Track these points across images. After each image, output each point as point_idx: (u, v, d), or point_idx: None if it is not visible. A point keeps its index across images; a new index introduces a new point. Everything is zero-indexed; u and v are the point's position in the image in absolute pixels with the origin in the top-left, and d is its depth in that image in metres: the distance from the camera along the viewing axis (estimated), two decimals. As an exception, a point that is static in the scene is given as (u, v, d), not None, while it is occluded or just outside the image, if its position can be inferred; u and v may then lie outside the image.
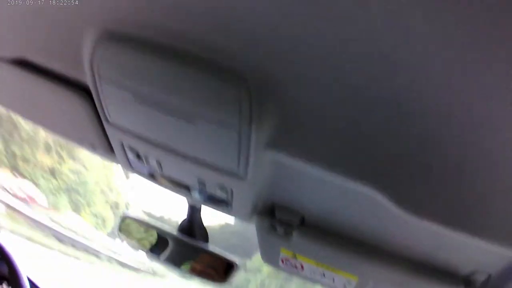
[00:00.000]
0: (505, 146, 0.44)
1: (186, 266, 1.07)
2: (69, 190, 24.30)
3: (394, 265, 0.78)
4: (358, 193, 0.57)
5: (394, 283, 0.83)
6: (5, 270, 1.22)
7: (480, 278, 0.73)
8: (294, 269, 0.92)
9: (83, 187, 25.74)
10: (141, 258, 18.49)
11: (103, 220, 26.22)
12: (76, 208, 25.98)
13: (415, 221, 0.56)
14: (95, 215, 31.73)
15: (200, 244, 1.06)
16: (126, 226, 1.11)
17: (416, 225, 0.58)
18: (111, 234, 21.72)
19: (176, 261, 1.09)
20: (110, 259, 15.42)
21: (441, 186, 0.51)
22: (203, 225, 1.11)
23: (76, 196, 25.45)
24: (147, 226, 1.11)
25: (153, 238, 1.06)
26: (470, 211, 0.54)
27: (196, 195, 0.82)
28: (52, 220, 12.53)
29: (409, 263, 0.77)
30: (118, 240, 16.65)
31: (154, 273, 22.04)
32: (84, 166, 24.03)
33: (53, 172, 19.98)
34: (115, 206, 32.63)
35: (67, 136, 0.91)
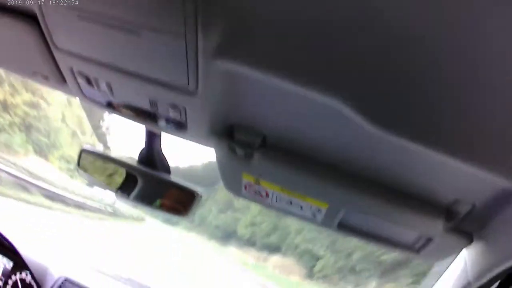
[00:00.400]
0: (491, 58, 0.41)
1: (156, 203, 1.02)
2: (28, 128, 20.76)
3: (367, 191, 0.72)
4: (323, 107, 0.53)
5: (369, 211, 0.76)
6: None
7: (464, 208, 0.68)
8: (258, 197, 0.86)
9: (46, 124, 22.18)
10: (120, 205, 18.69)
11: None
12: (40, 150, 22.79)
13: (387, 138, 0.52)
14: (67, 161, 28.75)
15: (165, 176, 1.00)
16: (85, 161, 1.04)
17: (389, 145, 0.54)
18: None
19: (145, 198, 1.03)
20: (85, 208, 14.83)
21: (416, 99, 0.48)
22: (163, 156, 1.05)
23: (37, 135, 21.90)
24: (108, 160, 1.02)
25: (119, 177, 1.00)
26: (448, 128, 0.49)
27: (153, 121, 0.79)
28: (16, 166, 11.55)
29: (385, 189, 0.71)
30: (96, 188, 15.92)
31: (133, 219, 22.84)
32: (44, 99, 20.11)
33: (5, 106, 16.80)
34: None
35: (19, 70, 0.89)
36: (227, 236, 31.97)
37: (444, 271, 0.95)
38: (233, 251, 27.23)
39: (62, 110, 23.76)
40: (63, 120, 26.25)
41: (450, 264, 0.93)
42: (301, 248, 18.37)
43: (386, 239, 0.86)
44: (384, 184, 0.71)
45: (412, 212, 0.73)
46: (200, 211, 42.02)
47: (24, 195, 9.65)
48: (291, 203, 0.82)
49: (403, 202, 0.72)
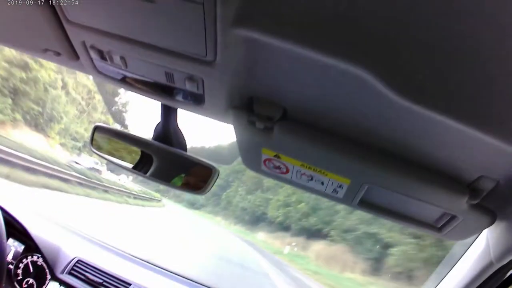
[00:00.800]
0: None
1: (173, 181, 0.96)
2: (15, 93, 17.36)
3: (391, 166, 0.71)
4: (347, 77, 0.52)
5: (392, 187, 0.75)
6: None
7: (488, 185, 0.68)
8: (277, 173, 0.84)
9: (36, 91, 18.60)
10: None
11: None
12: (36, 124, 19.46)
13: (413, 110, 0.51)
14: (74, 138, 25.67)
15: (181, 153, 0.94)
16: (99, 139, 0.98)
17: (414, 117, 0.54)
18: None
19: (162, 176, 0.96)
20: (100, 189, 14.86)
21: (445, 70, 0.48)
22: (180, 132, 0.98)
23: (29, 104, 18.39)
24: (123, 137, 0.97)
25: (135, 155, 0.96)
26: (475, 100, 0.50)
27: (169, 95, 0.79)
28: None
29: (409, 165, 0.70)
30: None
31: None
32: (36, 59, 16.31)
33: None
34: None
35: (30, 48, 0.88)
36: (256, 219, 28.65)
37: (466, 251, 0.96)
38: (263, 237, 23.66)
39: (63, 75, 20.21)
40: (65, 87, 22.71)
41: (471, 244, 0.94)
42: (358, 232, 13.77)
43: (408, 217, 0.84)
44: (408, 159, 0.69)
45: (436, 188, 0.71)
46: (226, 193, 39.30)
47: (36, 178, 9.35)
48: (312, 179, 0.81)
49: (427, 177, 0.70)
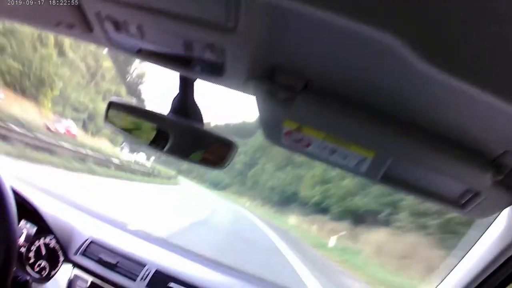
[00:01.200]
0: None
1: (191, 156, 0.97)
2: None
3: (417, 138, 0.71)
4: (374, 44, 0.51)
5: (415, 161, 0.76)
6: None
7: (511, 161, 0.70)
8: (298, 145, 0.83)
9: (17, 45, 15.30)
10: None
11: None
12: (22, 88, 16.26)
13: (441, 80, 0.51)
14: (77, 109, 22.51)
15: (199, 127, 0.96)
16: (114, 114, 0.98)
17: (442, 88, 0.54)
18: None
19: (180, 151, 0.96)
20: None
21: (474, 39, 0.46)
22: (197, 105, 0.98)
23: (8, 61, 15.04)
24: (138, 112, 0.97)
25: (152, 130, 0.97)
26: (506, 72, 0.49)
27: (187, 66, 0.79)
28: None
29: (435, 137, 0.71)
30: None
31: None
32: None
33: None
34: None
35: (41, 22, 0.88)
36: (286, 200, 24.88)
37: (485, 231, 1.00)
38: (295, 222, 19.93)
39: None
40: (59, 46, 19.19)
41: (491, 224, 0.97)
42: (447, 217, 9.20)
43: (430, 193, 0.85)
44: (433, 132, 0.70)
45: (460, 162, 0.72)
46: (252, 171, 35.95)
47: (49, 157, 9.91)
48: (334, 152, 0.81)
49: (452, 151, 0.71)
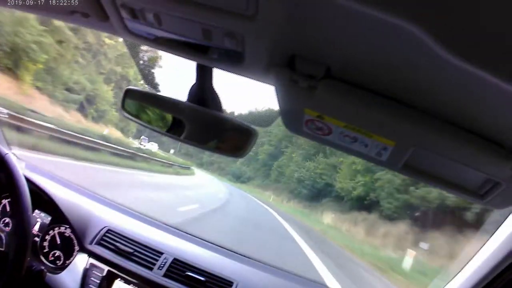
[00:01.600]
0: None
1: (210, 144, 0.96)
2: None
3: (438, 128, 0.72)
4: (398, 34, 0.52)
5: (436, 150, 0.77)
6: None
7: None
8: (319, 134, 0.84)
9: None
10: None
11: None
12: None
13: (466, 69, 0.50)
14: (71, 89, 20.02)
15: (218, 114, 0.95)
16: (130, 102, 0.99)
17: (464, 77, 0.55)
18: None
19: (198, 139, 0.97)
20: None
21: (499, 28, 0.45)
22: (216, 93, 0.97)
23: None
24: (155, 99, 0.99)
25: (169, 117, 0.98)
26: None
27: (206, 54, 0.80)
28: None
29: (455, 127, 0.72)
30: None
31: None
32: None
33: None
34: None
35: (56, 11, 0.87)
36: (317, 193, 21.29)
37: (505, 220, 1.00)
38: (330, 220, 16.24)
39: None
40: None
41: (509, 215, 0.99)
42: None
43: (451, 183, 0.85)
44: (454, 121, 0.71)
45: (481, 152, 0.72)
46: (277, 162, 32.51)
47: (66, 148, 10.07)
48: (355, 140, 0.81)
49: (473, 141, 0.71)
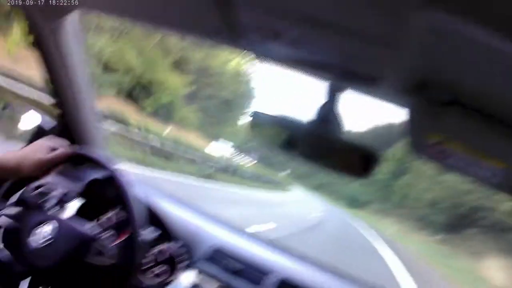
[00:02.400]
0: None
1: (328, 162, 0.93)
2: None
3: None
4: None
5: None
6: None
7: None
8: (439, 157, 0.80)
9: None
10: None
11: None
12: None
13: None
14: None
15: (340, 134, 0.95)
16: (256, 124, 1.00)
17: None
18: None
19: (315, 158, 0.95)
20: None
21: None
22: (339, 114, 0.96)
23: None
24: (277, 120, 0.98)
25: (293, 137, 0.97)
26: None
27: (338, 74, 0.83)
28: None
29: None
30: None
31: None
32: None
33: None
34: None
35: (193, 31, 0.93)
36: (460, 220, 15.91)
37: None
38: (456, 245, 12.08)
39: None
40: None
41: None
42: None
43: None
44: None
45: None
46: (399, 181, 27.55)
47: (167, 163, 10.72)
48: (473, 164, 0.77)
49: None
